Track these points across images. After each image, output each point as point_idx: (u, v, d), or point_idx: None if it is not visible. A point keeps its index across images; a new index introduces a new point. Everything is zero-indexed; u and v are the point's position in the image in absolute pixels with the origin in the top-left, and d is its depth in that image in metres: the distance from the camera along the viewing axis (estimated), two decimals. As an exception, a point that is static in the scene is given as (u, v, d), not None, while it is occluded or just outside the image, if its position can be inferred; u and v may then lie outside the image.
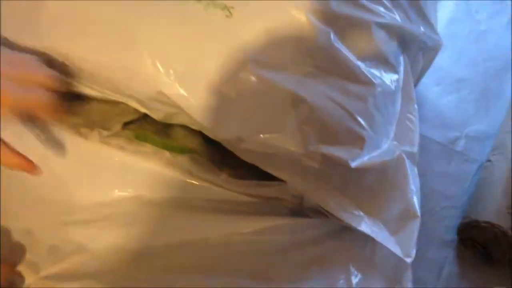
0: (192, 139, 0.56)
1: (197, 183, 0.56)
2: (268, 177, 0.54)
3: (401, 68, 0.55)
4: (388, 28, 0.53)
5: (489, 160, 0.72)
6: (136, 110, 0.56)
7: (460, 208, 0.70)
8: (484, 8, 0.85)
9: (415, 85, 0.67)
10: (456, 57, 0.80)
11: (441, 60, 0.79)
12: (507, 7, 0.85)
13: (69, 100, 0.55)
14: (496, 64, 0.80)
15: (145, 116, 0.56)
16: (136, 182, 0.56)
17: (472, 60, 0.80)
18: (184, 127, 0.57)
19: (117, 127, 0.56)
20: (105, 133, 0.55)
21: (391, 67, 0.54)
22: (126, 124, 0.56)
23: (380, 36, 0.52)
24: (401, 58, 0.56)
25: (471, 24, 0.83)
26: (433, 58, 0.66)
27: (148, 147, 0.56)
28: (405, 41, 0.56)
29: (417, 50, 0.59)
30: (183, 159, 0.55)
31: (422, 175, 0.72)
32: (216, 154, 0.56)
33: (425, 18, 0.58)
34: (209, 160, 0.56)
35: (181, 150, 0.56)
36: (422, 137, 0.74)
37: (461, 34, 0.82)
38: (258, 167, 0.56)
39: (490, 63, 0.80)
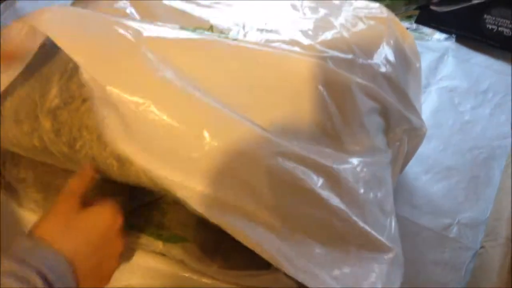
0: (185, 228, 0.57)
1: (188, 275, 0.56)
2: (261, 267, 0.54)
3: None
4: (375, 109, 0.56)
5: (482, 247, 0.72)
6: (130, 201, 0.57)
7: (457, 297, 0.69)
8: (467, 100, 0.89)
9: (400, 171, 0.69)
10: (443, 147, 0.83)
11: (428, 149, 0.82)
12: (488, 100, 0.89)
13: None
14: (482, 153, 0.82)
15: (140, 206, 0.58)
16: (127, 273, 0.56)
17: (458, 149, 0.83)
18: (176, 214, 0.58)
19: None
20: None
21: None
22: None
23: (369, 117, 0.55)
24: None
25: (455, 115, 0.87)
26: (418, 145, 0.68)
27: (143, 238, 0.56)
28: (389, 123, 0.59)
29: (402, 133, 0.62)
30: (176, 249, 0.56)
31: (416, 263, 0.72)
32: (209, 242, 0.57)
33: (409, 102, 0.61)
34: (202, 250, 0.56)
35: (175, 240, 0.56)
36: (414, 224, 0.75)
37: (446, 124, 0.85)
38: (251, 257, 0.56)
39: (476, 152, 0.82)
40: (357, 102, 0.55)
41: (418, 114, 0.65)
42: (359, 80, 0.55)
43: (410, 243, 0.74)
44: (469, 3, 0.95)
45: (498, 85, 0.91)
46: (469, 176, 0.80)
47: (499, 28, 0.93)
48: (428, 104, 0.87)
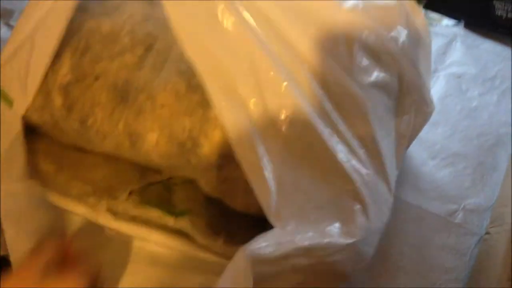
0: (191, 202, 0.58)
1: (194, 251, 0.57)
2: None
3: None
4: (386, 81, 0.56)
5: (488, 233, 0.72)
6: (141, 178, 0.58)
7: (462, 281, 0.69)
8: (474, 86, 0.89)
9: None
10: (450, 132, 0.82)
11: (435, 135, 0.82)
12: (496, 86, 0.89)
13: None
14: (489, 139, 0.82)
15: (149, 184, 0.58)
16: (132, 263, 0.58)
17: (465, 135, 0.82)
18: (184, 192, 0.58)
19: (124, 195, 0.57)
20: (112, 202, 0.57)
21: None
22: (131, 193, 0.58)
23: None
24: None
25: (463, 101, 0.86)
26: (423, 123, 0.67)
27: (154, 212, 0.57)
28: (402, 91, 0.59)
29: (411, 106, 0.61)
30: (183, 222, 0.57)
31: (422, 248, 0.72)
32: (214, 217, 0.58)
33: (420, 76, 0.61)
34: (208, 224, 0.57)
35: (181, 214, 0.57)
36: (420, 209, 0.75)
37: (453, 110, 0.85)
38: (257, 233, 0.57)
39: (483, 138, 0.82)
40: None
41: (427, 90, 0.64)
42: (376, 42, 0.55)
43: (415, 228, 0.74)
44: (479, -11, 0.95)
45: (506, 72, 0.91)
46: (476, 162, 0.80)
47: (509, 15, 0.92)
48: (436, 90, 0.87)
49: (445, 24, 0.96)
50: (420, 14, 0.67)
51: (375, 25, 0.56)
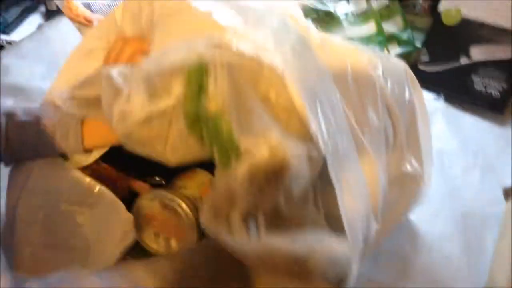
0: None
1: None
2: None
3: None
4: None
5: (479, 322, 0.70)
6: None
7: None
8: (457, 162, 0.88)
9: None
10: (435, 214, 0.82)
11: (420, 215, 0.81)
12: (479, 162, 0.88)
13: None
14: (474, 220, 0.81)
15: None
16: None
17: (450, 217, 0.81)
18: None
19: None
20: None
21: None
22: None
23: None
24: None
25: (446, 180, 0.86)
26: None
27: None
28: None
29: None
30: None
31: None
32: None
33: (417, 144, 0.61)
34: None
35: None
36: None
37: (437, 190, 0.84)
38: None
39: (468, 219, 0.81)
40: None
41: (420, 161, 0.63)
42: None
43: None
44: (457, 64, 0.96)
45: (488, 146, 0.91)
46: (462, 245, 0.79)
47: (487, 90, 0.93)
48: (419, 169, 0.86)
49: (426, 98, 0.97)
50: (418, 87, 0.67)
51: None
